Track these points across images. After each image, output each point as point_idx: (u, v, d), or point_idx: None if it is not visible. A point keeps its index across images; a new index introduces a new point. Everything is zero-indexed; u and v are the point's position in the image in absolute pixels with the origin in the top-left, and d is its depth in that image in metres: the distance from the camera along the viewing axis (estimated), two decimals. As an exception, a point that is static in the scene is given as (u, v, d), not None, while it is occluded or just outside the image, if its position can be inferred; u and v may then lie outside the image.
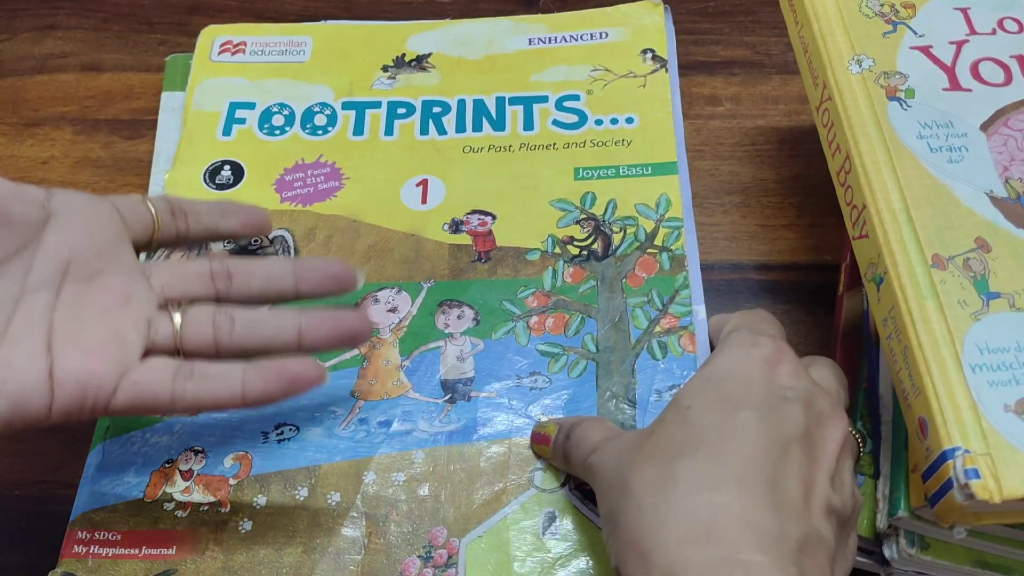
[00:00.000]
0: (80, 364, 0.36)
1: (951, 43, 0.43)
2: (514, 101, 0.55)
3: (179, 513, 0.42)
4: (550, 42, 0.57)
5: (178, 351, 0.39)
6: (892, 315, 0.37)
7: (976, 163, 0.39)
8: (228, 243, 0.49)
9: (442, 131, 0.54)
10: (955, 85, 0.42)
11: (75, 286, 0.38)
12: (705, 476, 0.32)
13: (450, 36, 0.58)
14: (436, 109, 0.55)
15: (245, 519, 0.41)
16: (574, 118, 0.54)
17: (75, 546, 0.41)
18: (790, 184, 0.54)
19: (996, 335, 0.35)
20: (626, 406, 0.43)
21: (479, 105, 0.55)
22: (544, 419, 0.43)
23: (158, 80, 0.59)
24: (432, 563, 0.40)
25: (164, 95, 0.57)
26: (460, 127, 0.54)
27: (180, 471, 0.43)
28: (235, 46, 0.57)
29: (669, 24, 0.57)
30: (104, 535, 0.41)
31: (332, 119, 0.54)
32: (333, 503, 0.42)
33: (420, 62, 0.57)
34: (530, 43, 0.57)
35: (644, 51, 0.56)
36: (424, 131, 0.54)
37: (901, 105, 0.41)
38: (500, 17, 0.59)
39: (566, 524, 0.41)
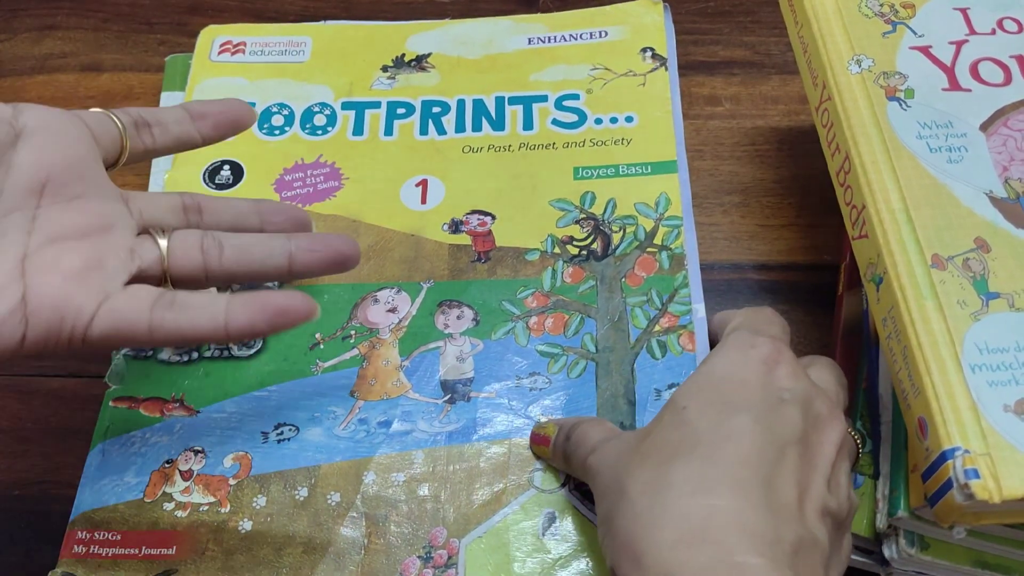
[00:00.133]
0: (57, 289, 0.34)
1: (951, 43, 0.43)
2: (514, 101, 0.55)
3: (179, 513, 0.42)
4: (550, 41, 0.57)
5: (165, 278, 0.38)
6: (892, 315, 0.37)
7: (976, 163, 0.39)
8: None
9: (442, 131, 0.54)
10: (955, 85, 0.42)
11: (52, 208, 0.36)
12: (700, 478, 0.32)
13: (450, 36, 0.58)
14: (436, 109, 0.54)
15: (245, 519, 0.41)
16: (574, 117, 0.53)
17: (75, 546, 0.41)
18: (789, 184, 0.54)
19: (996, 335, 0.35)
20: (626, 405, 0.43)
21: (479, 105, 0.55)
22: (543, 420, 0.43)
23: (158, 80, 0.59)
24: (432, 563, 0.40)
25: (164, 95, 0.57)
26: (460, 127, 0.54)
27: (180, 471, 0.43)
28: (235, 46, 0.57)
29: (669, 22, 0.57)
30: (104, 535, 0.41)
31: (332, 119, 0.54)
32: (333, 503, 0.42)
33: (420, 62, 0.57)
34: (529, 42, 0.57)
35: (644, 49, 0.56)
36: (424, 131, 0.54)
37: (901, 105, 0.41)
38: (500, 17, 0.59)
39: (566, 525, 0.41)
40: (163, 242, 0.38)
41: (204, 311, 0.36)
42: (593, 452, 0.37)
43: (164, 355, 0.46)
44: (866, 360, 0.43)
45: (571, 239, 0.49)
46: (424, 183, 0.51)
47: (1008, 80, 0.42)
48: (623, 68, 0.55)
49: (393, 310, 0.47)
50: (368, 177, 0.52)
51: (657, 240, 0.48)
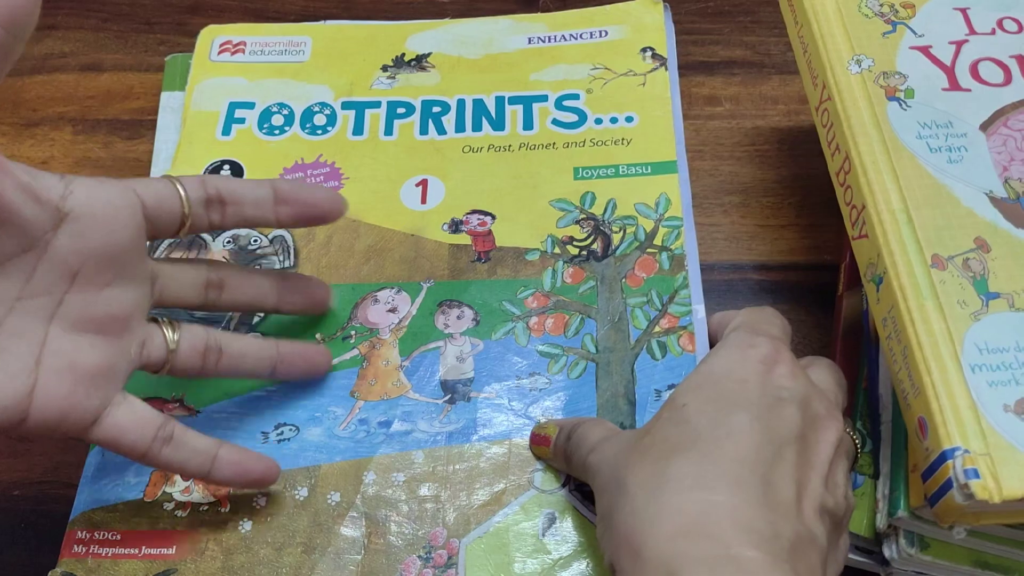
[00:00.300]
0: (66, 392, 0.35)
1: (951, 43, 0.43)
2: (514, 100, 0.55)
3: (179, 513, 0.42)
4: (550, 41, 0.57)
5: (163, 368, 0.40)
6: (892, 315, 0.37)
7: (976, 163, 0.39)
8: (228, 242, 0.49)
9: (442, 131, 0.54)
10: (955, 85, 0.42)
11: (80, 296, 0.36)
12: (698, 474, 0.32)
13: (450, 36, 0.58)
14: (436, 109, 0.54)
15: (245, 519, 0.41)
16: (574, 117, 0.53)
17: (75, 546, 0.41)
18: (790, 184, 0.54)
19: (996, 335, 0.35)
20: (626, 406, 0.43)
21: (479, 105, 0.55)
22: (543, 420, 0.43)
23: (158, 80, 0.59)
24: (432, 563, 0.40)
25: (164, 95, 0.57)
26: (460, 127, 0.54)
27: (180, 471, 0.43)
28: (235, 46, 0.57)
29: (669, 22, 0.57)
30: (104, 535, 0.41)
31: (332, 119, 0.54)
32: (333, 503, 0.42)
33: (420, 62, 0.57)
34: (529, 42, 0.57)
35: (644, 49, 0.56)
36: (424, 131, 0.54)
37: (901, 105, 0.41)
38: (500, 16, 0.59)
39: (566, 525, 0.41)
40: (172, 336, 0.39)
41: (196, 458, 0.39)
42: (593, 451, 0.37)
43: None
44: (866, 360, 0.43)
45: (571, 239, 0.49)
46: (424, 183, 0.51)
47: (1008, 80, 0.42)
48: (623, 68, 0.55)
49: (393, 310, 0.47)
50: (368, 177, 0.52)
51: (657, 241, 0.48)
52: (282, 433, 0.44)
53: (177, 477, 0.42)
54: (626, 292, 0.47)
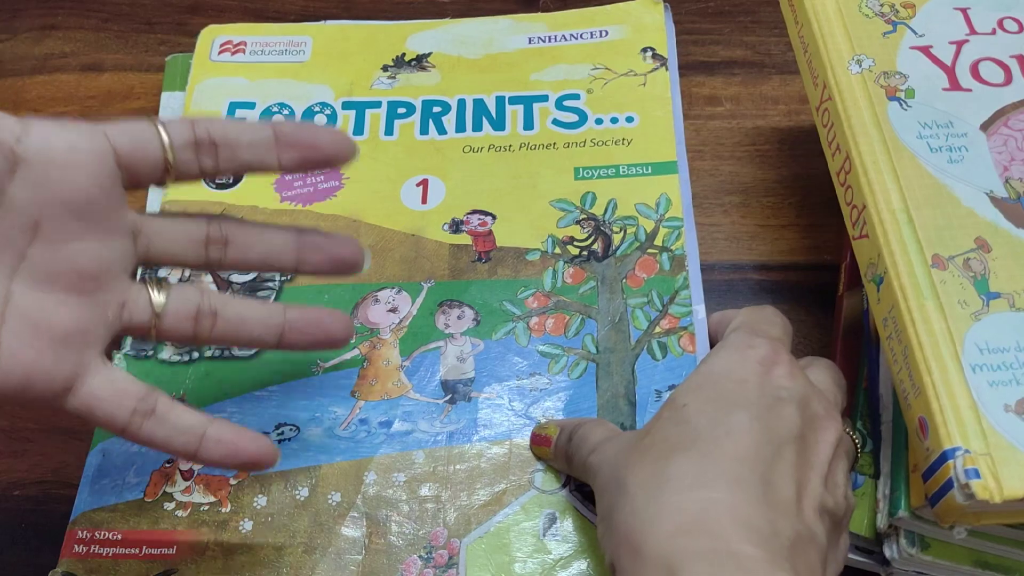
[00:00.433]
0: (33, 356, 0.32)
1: (951, 43, 0.43)
2: (514, 100, 0.55)
3: (179, 513, 0.42)
4: (550, 41, 0.57)
5: (150, 335, 0.36)
6: (892, 315, 0.37)
7: (976, 163, 0.39)
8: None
9: (442, 131, 0.54)
10: (955, 85, 0.42)
11: (44, 249, 0.33)
12: (698, 473, 0.32)
13: (450, 35, 0.58)
14: (436, 109, 0.54)
15: (245, 519, 0.41)
16: (574, 117, 0.53)
17: (75, 546, 0.41)
18: (790, 184, 0.54)
19: (996, 335, 0.35)
20: (626, 406, 0.43)
21: (479, 105, 0.55)
22: (544, 421, 0.43)
23: (158, 80, 0.59)
24: (433, 563, 0.40)
25: (164, 95, 0.57)
26: (460, 127, 0.54)
27: (180, 471, 0.43)
28: (235, 46, 0.57)
29: (669, 22, 0.57)
30: (104, 535, 0.41)
31: (332, 119, 0.54)
32: (333, 503, 0.42)
33: (420, 62, 0.57)
34: (530, 42, 0.57)
35: (644, 49, 0.56)
36: (424, 131, 0.54)
37: (901, 105, 0.41)
38: (500, 16, 0.59)
39: (567, 525, 0.41)
40: (158, 297, 0.36)
41: (180, 436, 0.35)
42: (594, 451, 0.38)
43: (165, 355, 0.46)
44: (866, 360, 0.43)
45: (572, 239, 0.49)
46: (425, 183, 0.51)
47: (1008, 80, 0.42)
48: (623, 68, 0.55)
49: (394, 310, 0.47)
50: (368, 177, 0.52)
51: (658, 241, 0.48)
52: (283, 433, 0.44)
53: (178, 477, 0.42)
54: (627, 292, 0.47)
